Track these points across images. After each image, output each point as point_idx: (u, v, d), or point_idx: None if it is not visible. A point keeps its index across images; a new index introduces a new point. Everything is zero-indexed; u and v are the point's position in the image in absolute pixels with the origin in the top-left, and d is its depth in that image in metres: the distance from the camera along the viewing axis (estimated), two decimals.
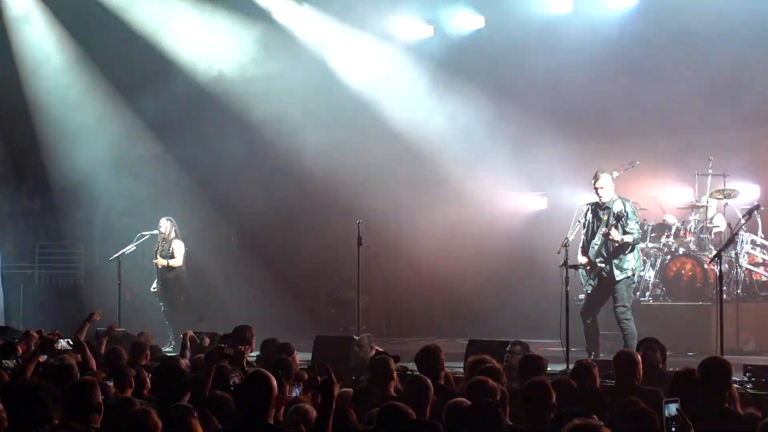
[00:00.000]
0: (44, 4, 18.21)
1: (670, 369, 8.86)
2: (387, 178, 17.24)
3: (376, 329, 16.51)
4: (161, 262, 15.26)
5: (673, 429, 5.49)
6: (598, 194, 11.77)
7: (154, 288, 15.49)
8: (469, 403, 5.92)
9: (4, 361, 8.78)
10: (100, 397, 6.04)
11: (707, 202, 14.22)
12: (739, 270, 13.66)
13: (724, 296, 11.23)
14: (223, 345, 7.83)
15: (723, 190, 14.08)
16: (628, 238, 11.55)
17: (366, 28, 17.38)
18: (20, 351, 9.40)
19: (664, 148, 15.62)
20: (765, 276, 13.90)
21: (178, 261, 15.25)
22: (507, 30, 16.56)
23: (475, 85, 16.37)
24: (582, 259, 11.89)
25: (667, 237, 14.28)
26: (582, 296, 12.57)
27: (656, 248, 14.29)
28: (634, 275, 11.99)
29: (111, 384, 7.21)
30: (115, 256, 15.44)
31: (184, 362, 9.12)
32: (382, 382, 7.39)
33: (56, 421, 5.63)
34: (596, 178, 11.76)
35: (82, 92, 18.46)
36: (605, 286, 11.75)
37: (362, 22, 17.31)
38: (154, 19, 17.82)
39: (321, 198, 18.30)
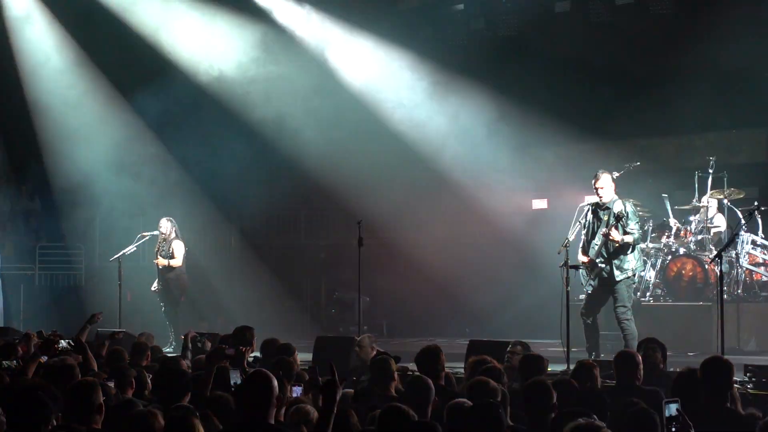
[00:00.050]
0: (44, 5, 18.22)
1: (671, 369, 8.87)
2: (387, 179, 17.25)
3: (376, 330, 16.54)
4: (162, 262, 15.26)
5: (674, 429, 5.50)
6: (598, 194, 11.76)
7: (154, 288, 15.49)
8: (470, 403, 5.92)
9: (4, 362, 8.78)
10: (101, 398, 6.04)
11: (707, 202, 14.22)
12: (739, 270, 13.67)
13: (725, 296, 11.24)
14: (223, 345, 7.83)
15: (723, 191, 14.09)
16: (628, 239, 11.54)
17: (366, 28, 17.39)
18: (20, 352, 9.41)
19: (665, 149, 15.63)
20: (765, 276, 13.89)
21: (177, 261, 15.25)
22: (508, 29, 16.56)
23: (476, 85, 16.38)
24: (582, 260, 11.89)
25: (668, 237, 14.29)
26: (582, 296, 12.56)
27: (657, 248, 14.29)
28: (634, 275, 11.98)
29: (112, 385, 7.22)
30: (115, 256, 15.43)
31: (185, 363, 9.13)
32: (382, 383, 7.39)
33: (56, 422, 5.62)
34: (596, 178, 11.75)
35: (82, 92, 18.45)
36: (605, 286, 11.74)
37: (363, 23, 17.32)
38: (155, 19, 17.82)
39: (321, 198, 18.33)
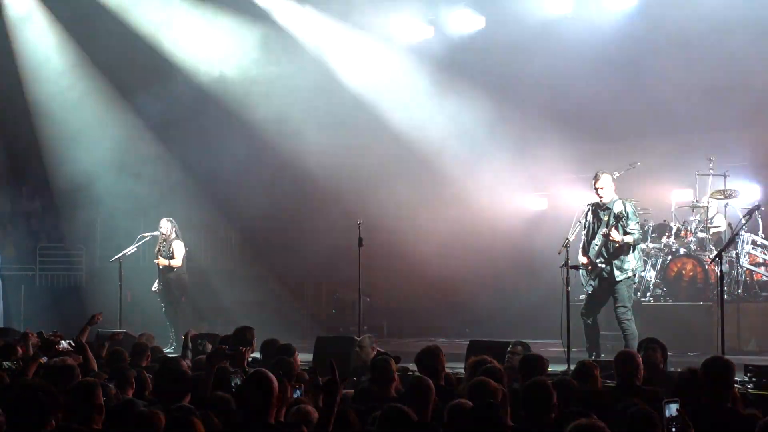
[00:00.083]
0: (45, 5, 18.22)
1: (671, 369, 8.87)
2: (388, 179, 17.26)
3: (377, 330, 16.52)
4: (163, 262, 15.27)
5: (674, 429, 5.50)
6: (598, 194, 11.76)
7: (154, 288, 15.50)
8: (470, 404, 5.92)
9: (4, 362, 8.78)
10: (102, 399, 6.05)
11: (708, 203, 14.22)
12: (739, 270, 13.67)
13: (725, 296, 11.24)
14: (223, 346, 7.83)
15: (723, 191, 14.08)
16: (628, 239, 11.54)
17: (367, 29, 17.39)
18: (20, 352, 9.40)
19: (665, 149, 15.63)
20: (766, 276, 13.89)
21: (177, 262, 15.25)
22: (507, 30, 16.56)
23: (476, 85, 16.38)
24: (582, 260, 11.89)
25: (668, 237, 14.29)
26: (582, 297, 12.57)
27: (657, 248, 14.29)
28: (634, 275, 11.99)
29: (112, 385, 7.21)
30: (116, 257, 15.45)
31: (186, 363, 9.13)
32: (383, 383, 7.39)
33: (54, 423, 5.62)
34: (596, 178, 11.75)
35: (83, 93, 18.47)
36: (606, 286, 11.74)
37: (363, 23, 17.32)
38: (155, 19, 17.83)
39: (322, 199, 18.32)
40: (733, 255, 13.49)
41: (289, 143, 17.42)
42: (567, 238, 11.52)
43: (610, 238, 11.50)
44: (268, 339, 9.80)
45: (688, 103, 14.86)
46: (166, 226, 15.34)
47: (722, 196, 14.09)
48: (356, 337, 11.28)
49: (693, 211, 14.40)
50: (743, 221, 11.82)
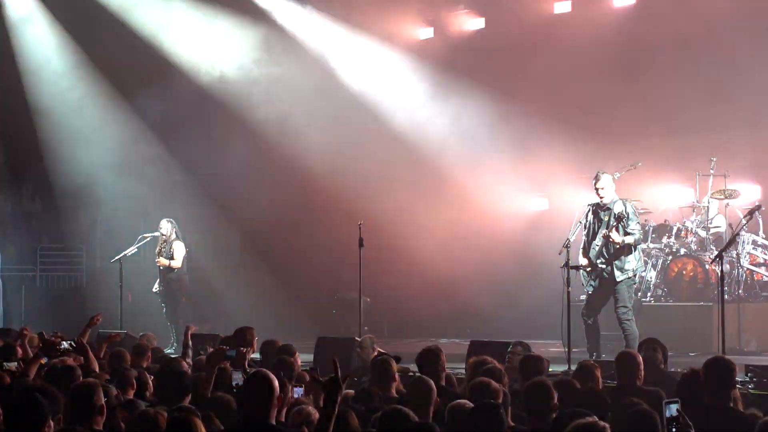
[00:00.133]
0: (45, 6, 18.22)
1: (672, 369, 8.87)
2: (389, 179, 17.26)
3: (377, 330, 16.51)
4: (164, 262, 15.28)
5: (674, 429, 5.50)
6: (599, 195, 11.76)
7: (155, 289, 15.50)
8: (471, 404, 5.92)
9: (5, 363, 8.78)
10: (103, 399, 6.05)
11: (708, 203, 14.22)
12: (740, 270, 13.67)
13: (726, 296, 11.23)
14: (224, 347, 7.84)
15: (724, 191, 14.08)
16: (629, 239, 11.54)
17: (367, 29, 17.40)
18: (20, 352, 9.39)
19: (665, 149, 15.62)
20: (766, 276, 13.90)
21: (177, 262, 15.26)
22: (507, 30, 16.57)
23: (476, 85, 16.39)
24: (583, 260, 11.89)
25: (669, 237, 14.29)
26: (583, 297, 12.57)
27: (657, 249, 14.29)
28: (635, 276, 11.99)
29: (113, 386, 7.21)
30: (116, 257, 15.45)
31: (186, 363, 9.13)
32: (383, 384, 7.39)
33: (53, 423, 5.63)
34: (597, 178, 11.75)
35: (83, 94, 18.47)
36: (606, 286, 11.74)
37: (364, 24, 17.32)
38: (156, 20, 17.83)
39: (323, 199, 18.31)
40: (734, 255, 13.49)
41: (290, 144, 17.41)
42: (568, 239, 11.52)
43: (611, 239, 11.50)
44: (268, 339, 9.81)
45: (689, 103, 14.86)
46: (166, 226, 15.35)
47: (723, 197, 14.09)
48: (357, 338, 11.28)
49: (693, 211, 14.39)
50: (744, 221, 11.82)
